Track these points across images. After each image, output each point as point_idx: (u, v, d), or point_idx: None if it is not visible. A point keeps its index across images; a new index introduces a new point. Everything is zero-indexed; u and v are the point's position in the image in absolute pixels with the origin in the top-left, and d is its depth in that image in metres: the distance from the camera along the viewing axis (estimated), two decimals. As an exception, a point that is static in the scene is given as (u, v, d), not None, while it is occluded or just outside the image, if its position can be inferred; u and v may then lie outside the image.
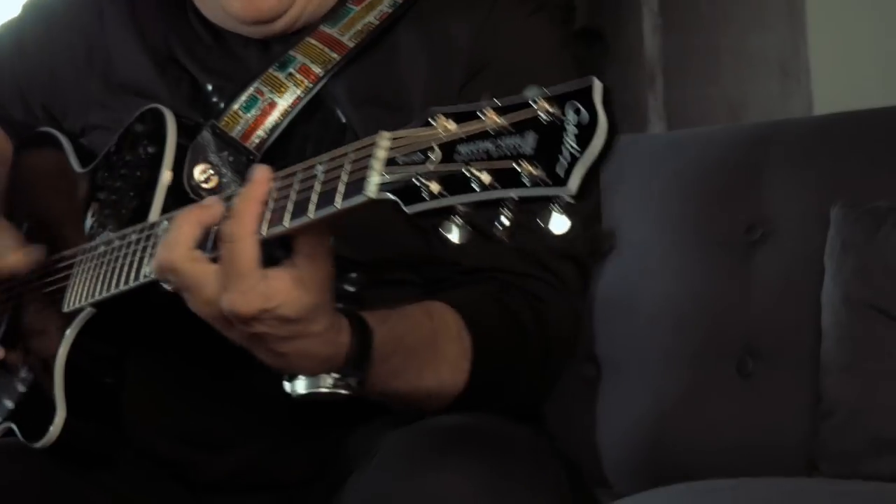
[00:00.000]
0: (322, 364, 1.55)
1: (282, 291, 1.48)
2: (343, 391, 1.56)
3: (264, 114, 1.78)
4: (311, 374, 1.56)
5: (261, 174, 1.50)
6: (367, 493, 1.56)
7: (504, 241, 1.27)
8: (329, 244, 1.49)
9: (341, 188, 1.40)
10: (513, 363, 1.71)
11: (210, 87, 1.84)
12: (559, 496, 1.60)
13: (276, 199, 1.48)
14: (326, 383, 1.56)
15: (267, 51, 1.84)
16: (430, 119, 1.35)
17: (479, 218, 1.32)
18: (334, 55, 1.79)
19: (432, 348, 1.65)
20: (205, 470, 1.84)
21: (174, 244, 1.52)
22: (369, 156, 1.38)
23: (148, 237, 1.70)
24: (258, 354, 1.55)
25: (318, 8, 1.82)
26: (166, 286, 1.56)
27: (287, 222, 1.46)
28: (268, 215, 1.48)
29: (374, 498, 1.54)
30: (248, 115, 1.73)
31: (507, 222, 1.29)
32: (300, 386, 1.57)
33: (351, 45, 1.79)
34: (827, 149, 2.38)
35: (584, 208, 1.75)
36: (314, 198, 1.43)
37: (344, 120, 1.79)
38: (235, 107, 1.76)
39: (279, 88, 1.75)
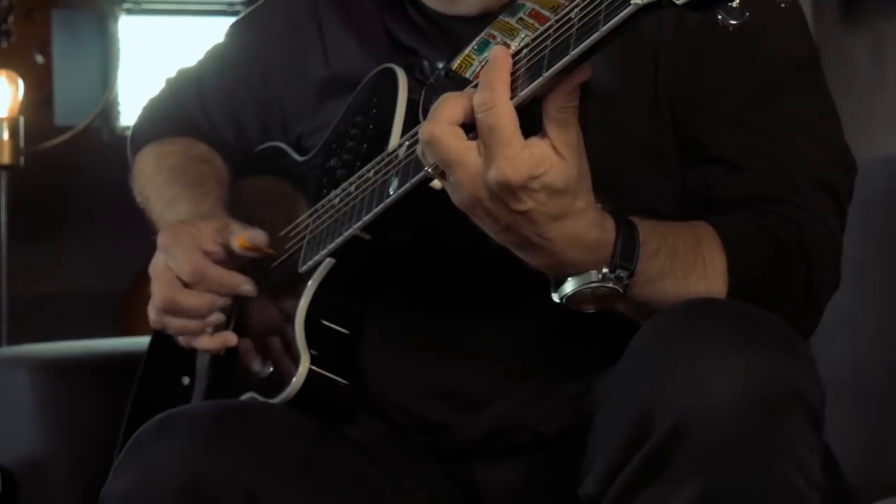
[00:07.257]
0: (590, 253, 1.50)
1: (547, 156, 1.43)
2: (612, 285, 1.50)
3: None
4: (580, 268, 1.51)
5: (499, 49, 1.48)
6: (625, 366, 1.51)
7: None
8: (576, 109, 1.44)
9: (603, 11, 1.36)
10: (775, 283, 1.63)
11: (441, 65, 1.81)
12: (814, 372, 1.51)
13: (529, 58, 1.45)
14: (596, 278, 1.50)
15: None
16: None
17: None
18: (561, 0, 1.75)
19: (697, 253, 1.59)
20: (458, 435, 1.78)
21: (435, 118, 1.48)
22: None
23: (389, 162, 1.68)
24: (524, 253, 1.50)
25: None
26: (427, 169, 1.51)
27: (545, 70, 1.41)
28: (522, 76, 1.45)
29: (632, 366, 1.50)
30: (481, 56, 1.69)
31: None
32: (569, 286, 1.51)
33: None
34: None
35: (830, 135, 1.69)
36: (575, 34, 1.39)
37: None
38: (467, 50, 1.72)
39: (511, 33, 1.69)
